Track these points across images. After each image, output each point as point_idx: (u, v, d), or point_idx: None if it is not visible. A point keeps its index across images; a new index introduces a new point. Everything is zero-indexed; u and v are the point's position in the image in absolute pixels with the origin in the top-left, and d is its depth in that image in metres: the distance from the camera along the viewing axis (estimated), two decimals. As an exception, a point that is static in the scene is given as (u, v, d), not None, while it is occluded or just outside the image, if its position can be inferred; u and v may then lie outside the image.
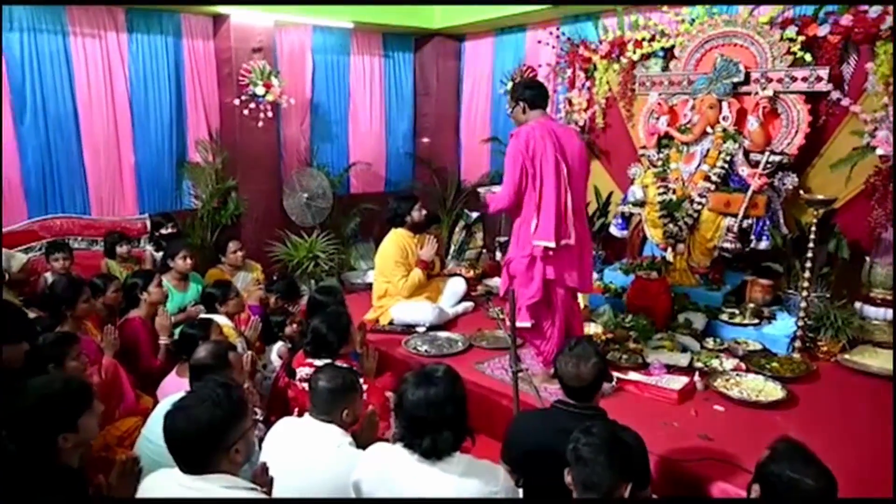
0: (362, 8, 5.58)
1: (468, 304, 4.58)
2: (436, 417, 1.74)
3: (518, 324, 3.05)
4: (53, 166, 4.76)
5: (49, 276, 4.13)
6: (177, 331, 3.39)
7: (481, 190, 3.45)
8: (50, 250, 4.20)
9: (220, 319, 3.46)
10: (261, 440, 2.33)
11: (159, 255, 4.67)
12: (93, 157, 4.93)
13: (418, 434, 1.75)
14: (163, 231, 4.93)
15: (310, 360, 2.85)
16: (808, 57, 3.89)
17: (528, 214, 2.99)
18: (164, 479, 1.68)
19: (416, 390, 1.78)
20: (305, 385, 2.48)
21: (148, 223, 5.12)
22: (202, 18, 5.30)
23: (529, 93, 3.07)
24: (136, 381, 3.09)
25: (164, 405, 2.39)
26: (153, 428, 2.33)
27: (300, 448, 2.09)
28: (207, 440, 1.61)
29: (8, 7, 4.38)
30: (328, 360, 2.77)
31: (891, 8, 3.56)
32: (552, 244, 2.92)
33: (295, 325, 3.78)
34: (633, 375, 3.27)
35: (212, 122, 5.49)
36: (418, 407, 1.76)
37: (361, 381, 2.73)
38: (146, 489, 1.72)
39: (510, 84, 5.66)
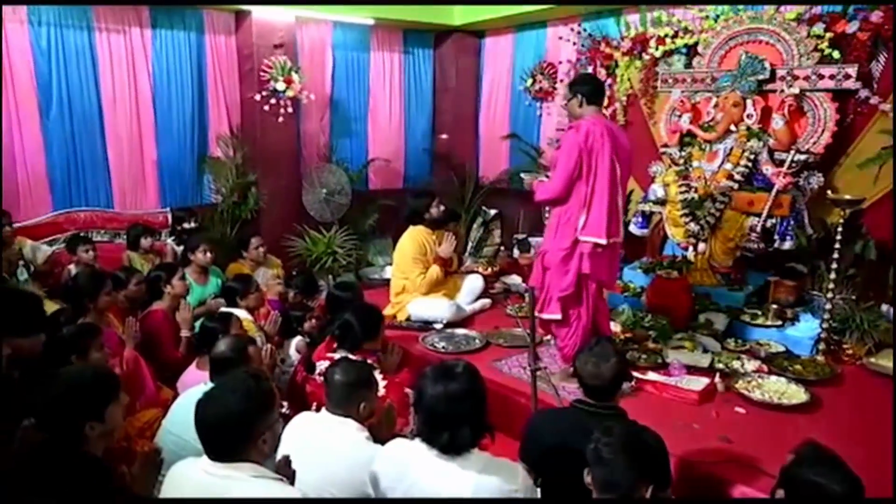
0: (383, 4, 5.57)
1: (485, 302, 4.57)
2: (454, 413, 1.74)
3: (547, 315, 3.06)
4: (78, 160, 4.85)
5: (73, 268, 4.21)
6: (196, 324, 3.44)
7: (526, 176, 3.44)
8: (75, 243, 4.28)
9: (240, 313, 3.49)
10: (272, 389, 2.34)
11: (180, 248, 4.73)
12: (116, 152, 5.00)
13: (437, 429, 1.75)
14: (184, 225, 4.99)
15: (330, 354, 2.87)
16: (836, 54, 3.81)
17: (572, 208, 2.98)
18: (189, 468, 1.70)
19: (435, 385, 1.78)
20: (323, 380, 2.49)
21: (169, 217, 5.19)
22: (224, 14, 5.34)
23: (588, 87, 3.06)
24: (156, 372, 3.13)
25: (186, 397, 2.43)
26: (174, 419, 2.37)
27: (317, 442, 2.10)
28: (237, 429, 1.63)
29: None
30: (348, 354, 2.80)
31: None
32: (603, 241, 2.94)
33: (313, 321, 3.80)
34: (651, 375, 3.24)
35: (233, 117, 5.53)
36: (437, 402, 1.76)
37: (380, 376, 2.75)
38: (172, 478, 1.74)
39: (530, 80, 5.64)
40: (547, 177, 3.31)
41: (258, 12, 5.22)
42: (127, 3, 4.82)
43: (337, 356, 2.78)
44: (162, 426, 2.41)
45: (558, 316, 3.10)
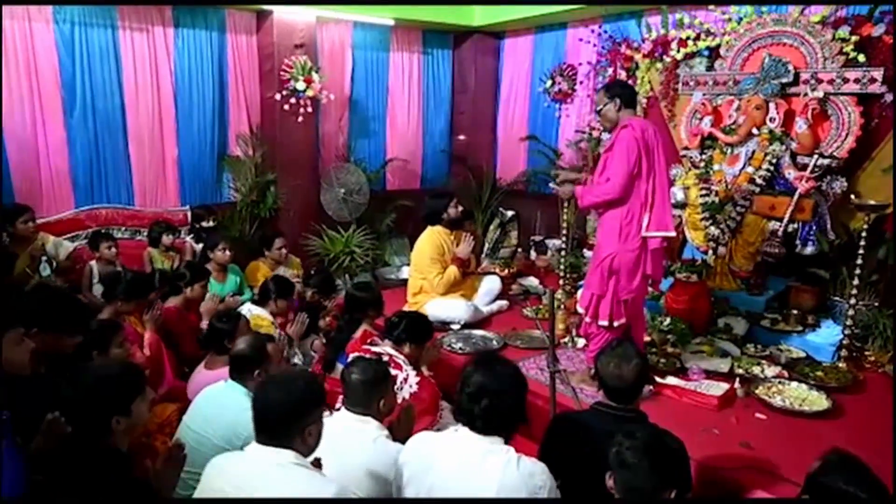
0: (403, 4, 5.59)
1: (503, 303, 4.57)
2: (499, 389, 1.81)
3: (617, 322, 3.03)
4: (100, 157, 4.91)
5: (95, 265, 4.28)
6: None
7: (557, 188, 3.35)
8: (97, 239, 4.34)
9: (262, 312, 3.53)
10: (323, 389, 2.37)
11: (199, 246, 4.78)
12: (138, 150, 5.06)
13: (478, 399, 1.80)
14: (203, 224, 5.05)
15: (366, 347, 2.91)
16: (861, 57, 3.76)
17: (634, 207, 2.95)
18: (231, 458, 1.77)
19: (485, 365, 1.88)
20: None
21: (189, 215, 5.25)
22: (246, 14, 5.39)
23: (626, 91, 3.08)
24: (174, 365, 3.18)
25: (206, 395, 2.46)
26: (195, 416, 2.40)
27: (337, 441, 2.11)
28: (292, 414, 1.72)
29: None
30: (389, 348, 2.88)
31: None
32: (672, 233, 3.01)
33: (329, 319, 3.82)
34: (670, 380, 3.23)
35: (252, 116, 5.58)
36: (485, 378, 1.83)
37: (413, 373, 2.78)
38: (215, 467, 1.76)
39: (549, 82, 5.62)
40: (578, 182, 3.25)
41: (279, 12, 5.26)
42: (150, 3, 4.88)
43: (375, 349, 2.82)
44: (182, 422, 2.44)
45: (624, 320, 3.05)
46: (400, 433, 2.23)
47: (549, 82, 5.75)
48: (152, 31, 4.98)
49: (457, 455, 1.77)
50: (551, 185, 3.51)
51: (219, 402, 2.35)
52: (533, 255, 5.79)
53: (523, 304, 4.56)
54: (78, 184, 4.84)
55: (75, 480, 1.69)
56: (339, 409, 2.28)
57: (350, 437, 2.10)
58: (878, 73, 3.67)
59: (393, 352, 2.88)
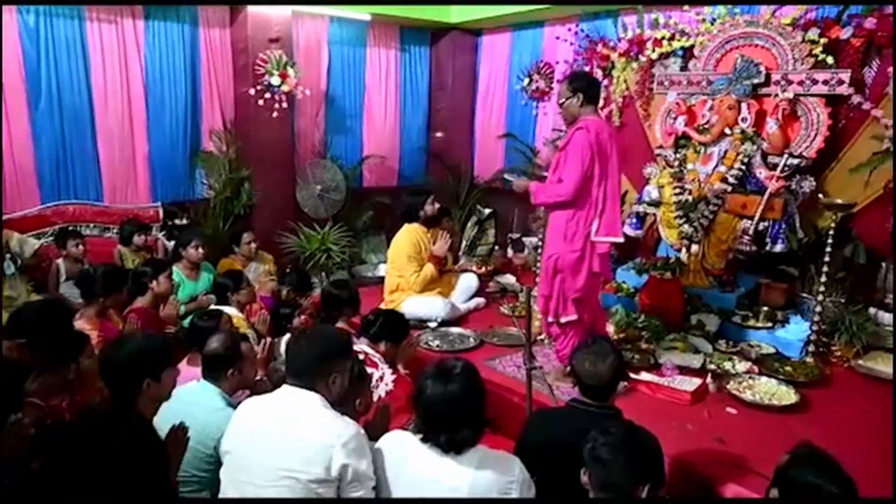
0: (379, 3, 5.56)
1: (480, 301, 4.58)
2: (453, 414, 1.74)
3: (564, 319, 3.08)
4: (67, 152, 4.78)
5: (61, 263, 4.17)
6: (187, 320, 3.42)
7: (512, 178, 3.36)
8: (63, 237, 4.23)
9: (230, 310, 3.47)
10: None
11: (171, 244, 4.70)
12: (107, 144, 4.94)
13: (435, 430, 1.75)
14: (175, 222, 4.95)
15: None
16: (829, 59, 3.85)
17: (583, 209, 2.96)
18: (263, 398, 1.97)
19: (434, 385, 1.78)
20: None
21: (160, 212, 5.15)
22: (219, 8, 5.30)
23: (589, 86, 3.05)
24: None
25: (177, 394, 2.40)
26: (166, 416, 2.34)
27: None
28: (322, 357, 1.90)
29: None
30: (366, 346, 2.87)
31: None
32: (621, 239, 3.02)
33: (303, 317, 3.78)
34: (645, 376, 3.27)
35: (226, 111, 5.49)
36: (435, 403, 1.76)
37: (389, 370, 2.76)
38: (249, 405, 1.98)
39: (527, 80, 5.65)
40: (538, 178, 3.29)
41: (253, 6, 5.18)
42: (120, 3, 4.77)
43: (357, 348, 2.80)
44: (153, 423, 2.39)
45: (574, 317, 3.09)
46: (376, 432, 2.21)
47: (527, 80, 5.77)
48: (121, 24, 4.86)
49: (426, 455, 1.76)
50: (506, 175, 3.52)
51: (191, 401, 2.30)
52: (510, 252, 5.81)
53: (500, 301, 4.58)
54: (44, 179, 4.71)
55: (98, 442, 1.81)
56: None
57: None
58: (845, 75, 3.77)
59: (369, 350, 2.86)
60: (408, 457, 1.79)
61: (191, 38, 5.22)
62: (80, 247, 4.18)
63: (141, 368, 2.00)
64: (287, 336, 3.61)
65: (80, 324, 2.89)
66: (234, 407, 2.40)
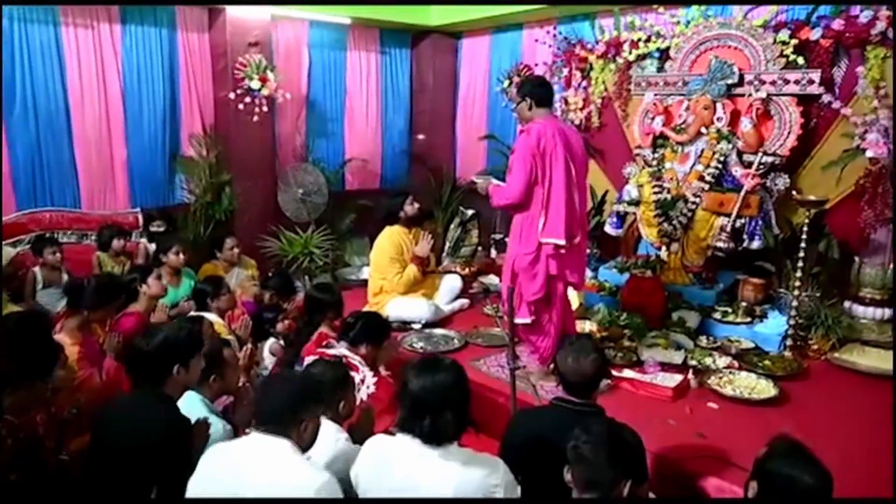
0: (360, 4, 5.56)
1: (464, 302, 4.60)
2: (439, 400, 1.76)
3: (518, 320, 3.09)
4: (43, 159, 4.72)
5: (38, 271, 4.10)
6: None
7: (478, 179, 3.40)
8: (40, 244, 4.16)
9: (211, 316, 3.45)
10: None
11: (153, 246, 4.65)
12: (84, 150, 4.88)
13: (419, 415, 1.76)
14: (152, 228, 4.91)
15: (321, 350, 2.87)
16: (800, 60, 3.94)
17: (533, 212, 3.02)
18: (232, 444, 1.89)
19: (421, 374, 1.80)
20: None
21: (140, 217, 5.09)
22: (197, 11, 5.26)
23: (538, 90, 3.08)
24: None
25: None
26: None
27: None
28: (292, 405, 1.81)
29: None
30: (345, 349, 2.84)
31: (882, 13, 3.60)
32: (563, 241, 2.98)
33: (287, 322, 3.77)
34: (627, 373, 3.31)
35: (206, 116, 5.45)
36: (423, 390, 1.78)
37: (371, 373, 2.76)
38: (215, 452, 1.85)
39: (507, 82, 5.68)
40: (500, 180, 3.32)
41: (232, 9, 5.15)
42: (99, 3, 4.71)
43: (330, 351, 2.79)
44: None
45: (528, 320, 3.14)
46: (360, 435, 2.22)
47: (507, 82, 5.79)
48: (98, 28, 4.81)
49: (410, 460, 1.77)
50: (473, 177, 3.56)
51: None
52: (493, 253, 5.84)
53: (483, 302, 4.60)
54: (19, 186, 4.63)
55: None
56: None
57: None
58: (815, 75, 3.86)
59: (349, 353, 2.85)
60: (392, 463, 1.80)
61: (169, 43, 5.18)
62: (58, 254, 4.13)
63: (173, 355, 2.13)
64: (270, 340, 3.60)
65: (60, 336, 2.81)
66: (217, 414, 2.40)
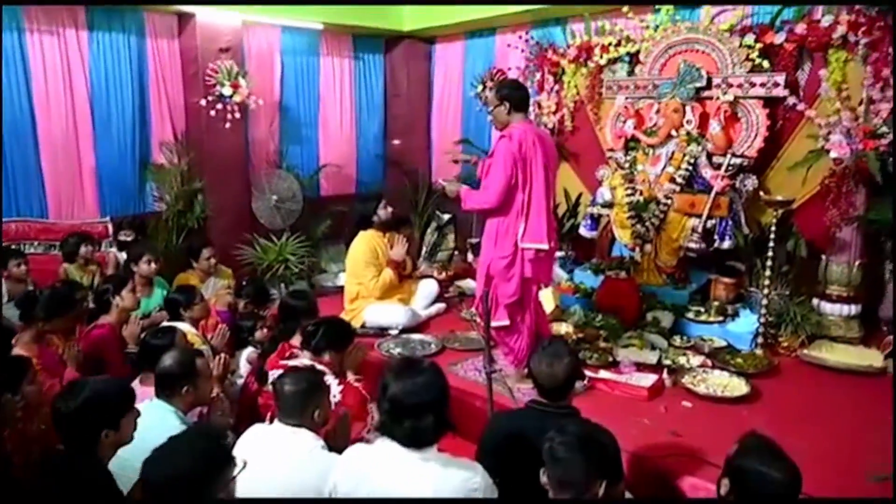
0: (332, 9, 5.54)
1: (440, 306, 4.60)
2: (418, 402, 1.75)
3: (495, 323, 3.10)
4: (7, 167, 4.61)
5: (3, 283, 3.99)
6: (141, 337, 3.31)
7: (445, 183, 3.39)
8: (5, 256, 4.05)
9: (184, 326, 3.39)
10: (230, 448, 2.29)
11: (123, 255, 4.55)
12: (50, 159, 4.78)
13: (400, 418, 1.75)
14: (120, 238, 4.81)
15: (283, 362, 2.83)
16: (765, 63, 4.03)
17: (510, 216, 3.03)
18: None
19: (401, 376, 1.79)
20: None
21: (110, 226, 4.99)
22: (166, 17, 5.19)
23: (516, 94, 3.09)
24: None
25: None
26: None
27: (271, 454, 2.07)
28: (189, 490, 1.64)
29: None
30: (308, 359, 2.77)
31: (842, 18, 3.70)
32: (545, 246, 3.01)
33: (265, 330, 3.73)
34: (603, 374, 3.34)
35: (177, 122, 5.38)
36: (403, 392, 1.76)
37: (335, 381, 2.73)
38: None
39: (481, 87, 5.71)
40: (470, 185, 3.32)
41: (202, 15, 5.09)
42: (65, 3, 4.62)
43: (292, 363, 2.75)
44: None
45: (506, 322, 3.16)
46: (338, 443, 2.20)
47: (480, 87, 5.82)
48: (64, 35, 4.72)
49: (388, 467, 1.76)
50: (442, 180, 3.54)
51: (143, 422, 2.24)
52: (470, 257, 5.84)
53: (460, 306, 4.60)
54: (-18, 196, 4.52)
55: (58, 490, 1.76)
56: (272, 423, 2.23)
57: (284, 451, 2.06)
58: (780, 78, 3.95)
59: (311, 363, 2.80)
60: (370, 469, 1.79)
61: (137, 49, 5.10)
62: (23, 266, 4.01)
63: (100, 417, 1.90)
64: (248, 349, 3.55)
65: (16, 351, 2.75)
66: (190, 425, 2.35)
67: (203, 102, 5.13)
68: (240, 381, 3.28)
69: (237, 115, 5.29)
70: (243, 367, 3.43)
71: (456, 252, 6.12)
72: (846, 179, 3.70)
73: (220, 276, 4.58)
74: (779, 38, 3.97)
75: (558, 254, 4.60)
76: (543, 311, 3.44)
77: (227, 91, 5.13)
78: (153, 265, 4.07)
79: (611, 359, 3.54)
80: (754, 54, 4.03)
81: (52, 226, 4.76)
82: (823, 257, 3.88)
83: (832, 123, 3.75)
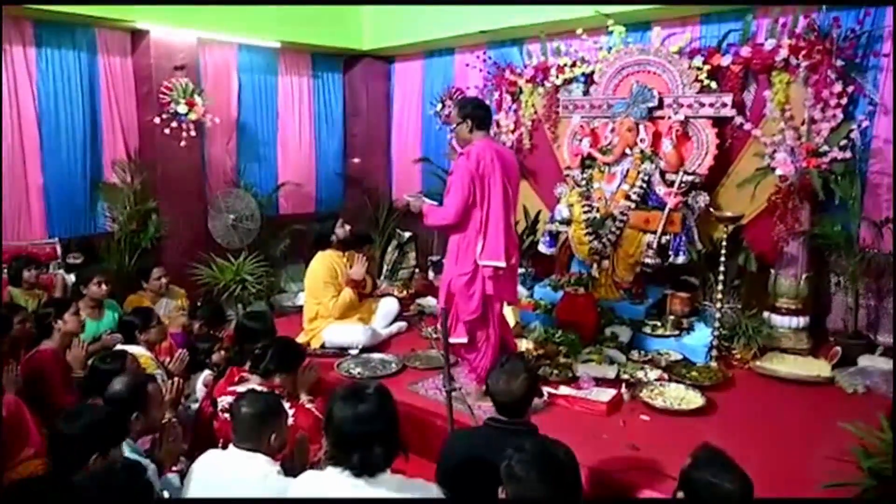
0: (289, 28, 5.52)
1: (401, 325, 4.57)
2: (365, 433, 1.70)
3: (453, 339, 3.09)
4: (-52, 186, 4.41)
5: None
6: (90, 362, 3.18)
7: (410, 198, 3.39)
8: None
9: (138, 350, 3.28)
10: (183, 475, 2.22)
11: (72, 277, 4.38)
12: (-6, 177, 4.59)
13: (347, 450, 1.70)
14: (69, 260, 4.64)
15: (232, 388, 2.75)
16: (713, 84, 4.19)
17: (469, 233, 3.04)
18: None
19: (344, 406, 1.74)
20: (228, 416, 2.39)
21: (58, 247, 4.80)
22: (119, 34, 5.09)
23: (479, 112, 3.12)
24: (46, 419, 2.86)
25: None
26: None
27: (225, 481, 2.00)
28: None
29: None
30: (257, 385, 2.69)
31: (784, 41, 3.88)
32: (503, 263, 3.01)
33: (223, 352, 3.63)
34: (563, 389, 3.36)
35: (130, 141, 5.25)
36: (347, 423, 1.71)
37: (287, 404, 2.67)
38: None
39: (440, 105, 5.75)
40: (433, 199, 3.34)
41: (157, 32, 5.01)
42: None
43: (241, 388, 2.67)
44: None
45: (464, 339, 3.16)
46: (296, 467, 2.14)
47: (440, 106, 5.88)
48: (10, 52, 4.57)
49: (341, 493, 1.71)
50: (404, 196, 3.55)
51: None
52: (431, 275, 5.84)
53: (420, 324, 4.58)
54: (-81, 217, 4.30)
55: None
56: (226, 448, 2.16)
57: (238, 476, 2.00)
58: (728, 98, 4.10)
59: (260, 388, 2.73)
60: (322, 493, 1.74)
61: (88, 66, 4.97)
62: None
63: (95, 445, 1.97)
64: (206, 372, 3.45)
65: None
66: (140, 453, 2.27)
67: (157, 120, 5.02)
68: (195, 406, 3.18)
69: (192, 134, 5.20)
70: (199, 391, 3.33)
71: (417, 270, 6.11)
72: (791, 196, 3.85)
73: (172, 297, 4.46)
74: (725, 61, 4.13)
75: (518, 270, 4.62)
76: (509, 328, 3.45)
77: (182, 109, 5.04)
78: (104, 287, 3.93)
79: (571, 374, 3.56)
80: (703, 75, 4.18)
81: (-5, 247, 4.55)
82: (772, 271, 4.01)
83: (777, 142, 3.91)
